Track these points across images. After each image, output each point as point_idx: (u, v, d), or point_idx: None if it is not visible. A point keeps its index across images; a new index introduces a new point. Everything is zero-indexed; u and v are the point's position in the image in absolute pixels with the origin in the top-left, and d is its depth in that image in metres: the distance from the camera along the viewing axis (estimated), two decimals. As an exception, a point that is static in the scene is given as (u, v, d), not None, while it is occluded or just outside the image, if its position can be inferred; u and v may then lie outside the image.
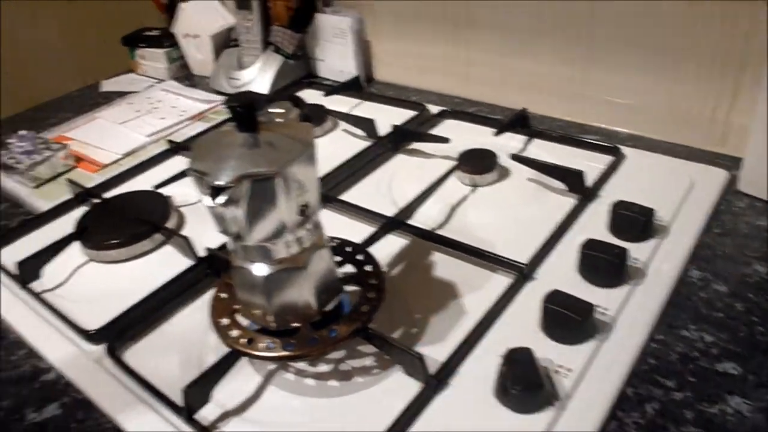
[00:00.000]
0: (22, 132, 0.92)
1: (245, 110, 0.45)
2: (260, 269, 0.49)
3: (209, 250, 0.64)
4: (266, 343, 0.50)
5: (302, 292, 0.50)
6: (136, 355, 0.58)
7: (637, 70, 0.79)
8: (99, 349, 0.58)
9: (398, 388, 0.50)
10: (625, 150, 0.78)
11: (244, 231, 0.45)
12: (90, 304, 0.64)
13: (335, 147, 0.86)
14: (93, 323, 0.60)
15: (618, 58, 0.80)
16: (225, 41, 1.15)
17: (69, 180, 0.84)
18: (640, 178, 0.72)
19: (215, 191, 0.43)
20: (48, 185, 0.89)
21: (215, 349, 0.57)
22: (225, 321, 0.53)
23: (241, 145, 0.45)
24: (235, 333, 0.52)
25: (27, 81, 1.67)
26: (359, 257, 0.58)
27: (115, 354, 0.57)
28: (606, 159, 0.76)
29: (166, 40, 1.19)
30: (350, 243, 0.60)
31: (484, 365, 0.51)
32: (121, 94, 1.17)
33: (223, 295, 0.56)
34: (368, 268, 0.57)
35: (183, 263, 0.67)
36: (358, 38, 1.02)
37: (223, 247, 0.66)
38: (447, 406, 0.48)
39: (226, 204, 0.43)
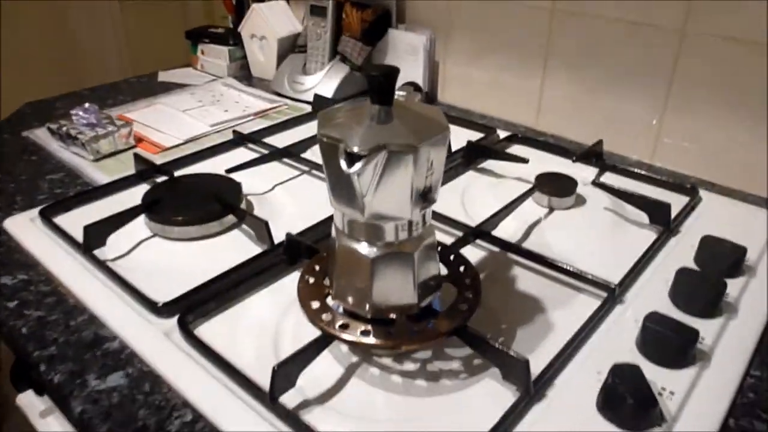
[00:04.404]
0: (87, 105, 0.90)
1: (385, 80, 0.44)
2: (368, 250, 0.47)
3: (289, 235, 0.62)
4: (362, 329, 0.48)
5: (406, 281, 0.48)
6: (206, 333, 0.55)
7: (714, 119, 0.79)
8: (167, 323, 0.56)
9: (488, 394, 0.48)
10: (701, 193, 0.77)
11: (367, 202, 0.44)
12: (153, 278, 0.62)
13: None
14: (157, 297, 0.58)
15: (697, 106, 0.80)
16: (290, 47, 1.15)
17: (136, 155, 0.82)
18: (719, 220, 0.71)
19: (351, 158, 0.42)
20: (107, 160, 0.87)
21: (291, 334, 0.55)
22: (315, 304, 0.51)
23: (374, 118, 0.44)
24: (326, 317, 0.50)
25: (85, 65, 1.67)
26: (451, 258, 0.57)
27: (187, 328, 0.54)
28: (681, 199, 0.75)
29: (230, 38, 1.20)
30: (440, 244, 0.58)
31: (582, 379, 0.49)
32: (179, 86, 1.16)
33: (310, 279, 0.54)
34: (462, 269, 0.55)
35: (250, 248, 0.66)
36: (428, 57, 1.02)
37: (303, 233, 0.64)
38: (545, 417, 0.46)
39: (360, 172, 0.42)
